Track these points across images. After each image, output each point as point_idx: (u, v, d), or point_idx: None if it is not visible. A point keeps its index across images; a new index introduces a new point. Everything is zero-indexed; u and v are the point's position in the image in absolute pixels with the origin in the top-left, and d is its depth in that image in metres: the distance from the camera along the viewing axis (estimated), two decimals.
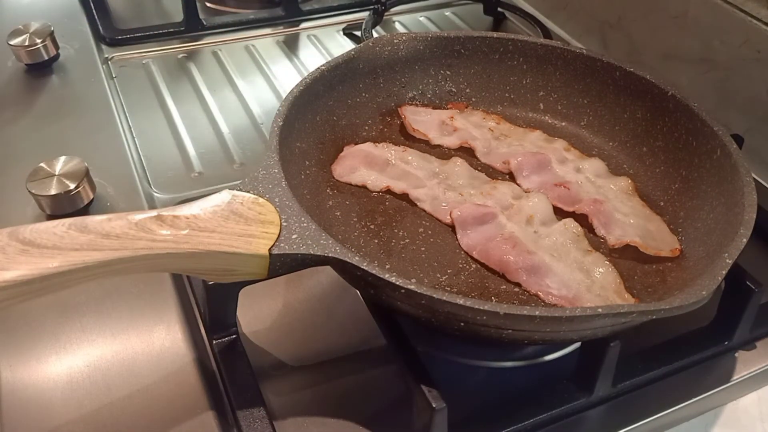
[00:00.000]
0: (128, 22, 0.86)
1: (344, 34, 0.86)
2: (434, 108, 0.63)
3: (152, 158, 0.65)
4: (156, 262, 0.37)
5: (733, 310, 0.48)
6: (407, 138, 0.61)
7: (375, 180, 0.55)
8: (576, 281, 0.47)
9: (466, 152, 0.60)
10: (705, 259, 0.47)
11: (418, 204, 0.54)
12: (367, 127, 0.61)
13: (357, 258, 0.40)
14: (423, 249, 0.51)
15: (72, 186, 0.56)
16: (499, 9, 0.90)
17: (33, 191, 0.56)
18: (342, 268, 0.41)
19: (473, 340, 0.48)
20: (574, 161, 0.58)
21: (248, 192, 0.43)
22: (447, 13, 0.92)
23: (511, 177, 0.58)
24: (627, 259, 0.51)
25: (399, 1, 0.90)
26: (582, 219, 0.53)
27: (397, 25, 0.89)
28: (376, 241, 0.51)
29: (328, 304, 0.52)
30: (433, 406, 0.38)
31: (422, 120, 0.61)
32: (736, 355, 0.50)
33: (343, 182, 0.55)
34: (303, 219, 0.42)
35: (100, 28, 0.83)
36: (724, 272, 0.41)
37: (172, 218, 0.39)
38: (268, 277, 0.41)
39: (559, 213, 0.54)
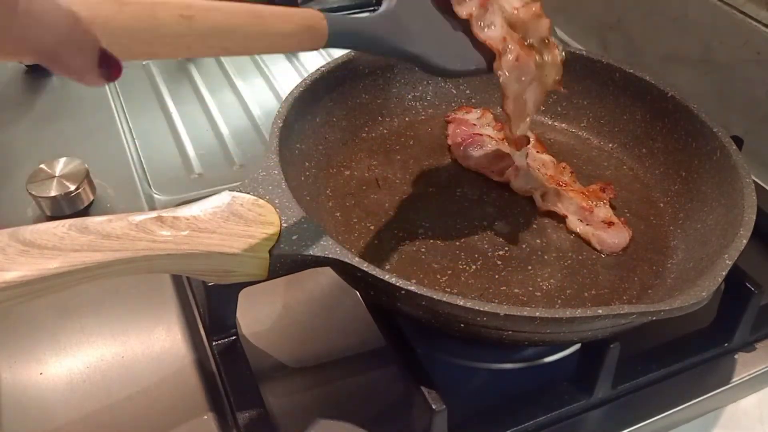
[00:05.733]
0: None
1: None
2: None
3: (152, 159, 0.65)
4: (156, 263, 0.37)
5: (732, 312, 0.48)
6: (405, 138, 0.61)
7: None
8: None
9: None
10: (705, 260, 0.47)
11: None
12: (367, 128, 0.61)
13: (357, 259, 0.40)
14: (423, 250, 0.51)
15: (72, 187, 0.56)
16: None
17: (33, 192, 0.56)
18: (342, 269, 0.41)
19: (473, 341, 0.48)
20: None
21: (248, 193, 0.43)
22: None
23: None
24: (627, 257, 0.51)
25: None
26: None
27: None
28: (377, 242, 0.51)
29: (328, 306, 0.52)
30: (433, 407, 0.38)
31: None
32: (736, 356, 0.49)
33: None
34: (303, 220, 0.42)
35: None
36: (724, 273, 0.41)
37: (172, 219, 0.39)
38: (268, 278, 0.41)
39: None
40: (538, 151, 0.59)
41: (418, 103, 0.64)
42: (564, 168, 0.58)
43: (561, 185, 0.56)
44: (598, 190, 0.55)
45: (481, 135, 0.60)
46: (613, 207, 0.55)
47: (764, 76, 0.65)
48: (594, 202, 0.54)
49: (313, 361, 0.48)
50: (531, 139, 0.60)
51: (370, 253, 0.50)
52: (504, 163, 0.57)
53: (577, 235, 0.53)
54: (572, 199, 0.54)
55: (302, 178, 0.52)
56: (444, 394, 0.39)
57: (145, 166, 0.64)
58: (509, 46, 0.47)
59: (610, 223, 0.53)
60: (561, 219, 0.54)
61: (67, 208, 0.57)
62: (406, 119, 0.63)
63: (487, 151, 0.58)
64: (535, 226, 0.54)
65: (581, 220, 0.53)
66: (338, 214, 0.53)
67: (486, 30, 0.47)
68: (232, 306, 0.46)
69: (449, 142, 0.61)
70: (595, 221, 0.53)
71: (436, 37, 0.45)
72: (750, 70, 0.66)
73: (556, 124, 0.64)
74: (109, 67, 0.27)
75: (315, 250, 0.40)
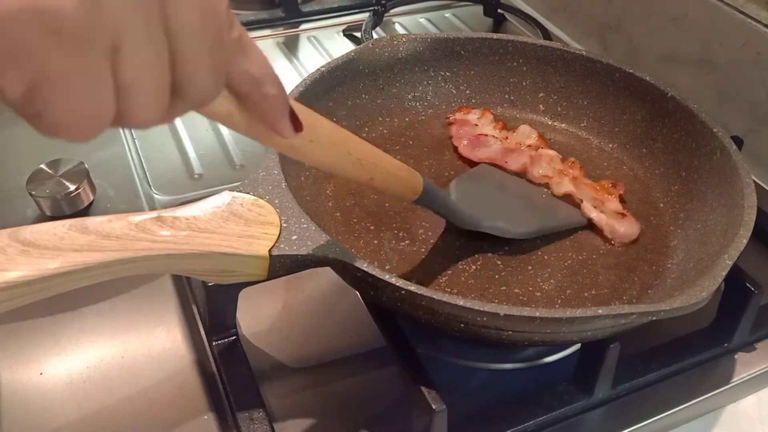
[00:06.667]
0: None
1: (344, 35, 0.86)
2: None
3: (152, 160, 0.65)
4: (156, 263, 0.37)
5: (732, 312, 0.48)
6: (405, 138, 0.61)
7: None
8: None
9: None
10: (705, 260, 0.47)
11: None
12: (367, 129, 0.61)
13: (357, 259, 0.40)
14: (423, 250, 0.51)
15: (72, 187, 0.56)
16: (499, 11, 0.90)
17: (33, 193, 0.56)
18: (342, 269, 0.41)
19: (473, 341, 0.48)
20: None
21: (248, 193, 0.43)
22: (447, 14, 0.92)
23: None
24: (627, 257, 0.51)
25: (399, 2, 0.90)
26: None
27: (397, 27, 0.89)
28: (376, 242, 0.51)
29: (328, 306, 0.52)
30: (433, 407, 0.38)
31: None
32: (736, 356, 0.50)
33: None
34: (303, 220, 0.42)
35: None
36: (723, 273, 0.41)
37: (173, 219, 0.39)
38: (268, 278, 0.41)
39: None
40: (543, 147, 0.60)
41: (418, 103, 0.64)
42: (573, 163, 0.58)
43: (572, 179, 0.57)
44: (609, 185, 0.56)
45: (486, 135, 0.60)
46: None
47: (764, 76, 0.65)
48: (605, 196, 0.56)
49: (313, 361, 0.48)
50: (534, 137, 0.60)
51: (370, 253, 0.50)
52: (515, 155, 0.59)
53: (591, 221, 0.54)
54: (585, 189, 0.56)
55: (302, 179, 0.52)
56: (444, 395, 0.39)
57: (145, 166, 0.64)
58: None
59: (623, 215, 0.54)
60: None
61: (67, 208, 0.57)
62: (406, 119, 0.63)
63: (495, 148, 0.59)
64: None
65: (595, 207, 0.55)
66: (338, 214, 0.53)
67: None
68: (232, 306, 0.46)
69: (455, 143, 0.61)
70: (608, 210, 0.54)
71: (500, 210, 0.53)
72: (750, 70, 0.66)
73: (556, 124, 0.64)
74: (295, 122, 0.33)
75: (315, 250, 0.40)
